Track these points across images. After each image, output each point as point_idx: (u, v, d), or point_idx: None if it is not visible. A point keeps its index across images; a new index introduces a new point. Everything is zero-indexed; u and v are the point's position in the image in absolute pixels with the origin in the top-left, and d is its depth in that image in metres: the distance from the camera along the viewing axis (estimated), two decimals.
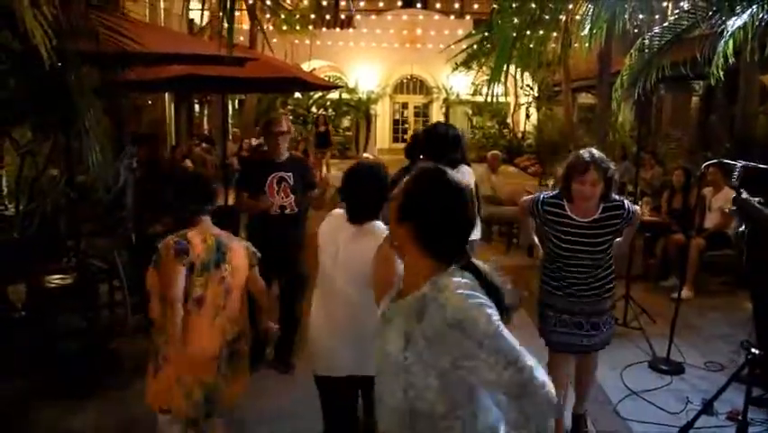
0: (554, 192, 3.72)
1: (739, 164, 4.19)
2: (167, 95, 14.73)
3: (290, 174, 4.78)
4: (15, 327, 3.88)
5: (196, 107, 18.22)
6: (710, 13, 5.74)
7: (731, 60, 5.79)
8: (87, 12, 3.90)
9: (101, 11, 4.21)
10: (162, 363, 2.96)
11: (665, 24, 6.56)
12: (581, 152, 3.50)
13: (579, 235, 3.57)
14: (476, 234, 5.57)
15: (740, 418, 3.66)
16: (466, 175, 5.34)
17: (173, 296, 2.82)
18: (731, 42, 5.62)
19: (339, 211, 2.99)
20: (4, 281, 3.95)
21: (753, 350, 3.65)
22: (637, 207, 4.13)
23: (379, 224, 2.88)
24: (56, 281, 5.04)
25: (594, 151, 3.50)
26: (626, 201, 3.68)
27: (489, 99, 7.43)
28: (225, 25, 4.39)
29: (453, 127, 4.91)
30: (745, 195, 4.14)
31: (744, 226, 4.41)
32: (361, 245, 2.81)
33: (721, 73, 5.85)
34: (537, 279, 3.90)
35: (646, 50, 6.40)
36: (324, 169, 16.85)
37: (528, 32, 6.81)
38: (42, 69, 2.74)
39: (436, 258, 1.78)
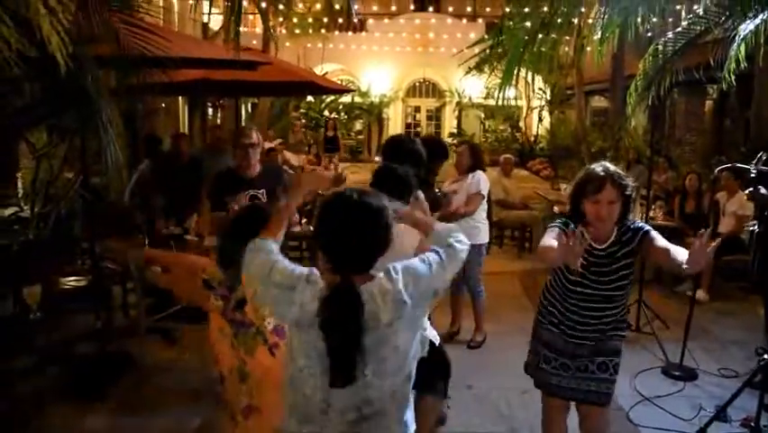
0: (561, 219, 3.09)
1: (755, 167, 4.18)
2: (180, 98, 14.81)
3: (263, 191, 4.28)
4: (31, 328, 3.92)
5: (210, 111, 18.31)
6: (723, 18, 5.71)
7: (743, 65, 5.77)
8: (109, 16, 3.95)
9: (122, 14, 4.26)
10: None
11: (678, 30, 6.55)
12: (594, 166, 2.98)
13: (591, 264, 2.96)
14: (484, 239, 5.58)
15: (753, 424, 3.64)
16: (481, 181, 5.37)
17: None
18: (743, 47, 5.60)
19: None
20: (20, 283, 4.00)
21: (766, 356, 3.63)
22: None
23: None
24: (71, 283, 5.09)
25: (609, 165, 2.98)
26: (645, 225, 3.03)
27: (501, 103, 7.45)
28: (234, 27, 4.41)
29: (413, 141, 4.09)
30: (763, 190, 4.13)
31: (757, 226, 4.39)
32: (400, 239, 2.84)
33: (733, 77, 5.83)
34: None
35: (660, 56, 6.38)
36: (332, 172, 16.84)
37: (540, 36, 6.81)
38: (59, 73, 2.77)
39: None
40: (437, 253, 2.07)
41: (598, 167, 2.95)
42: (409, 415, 2.09)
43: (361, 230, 1.93)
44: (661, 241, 2.88)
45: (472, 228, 5.22)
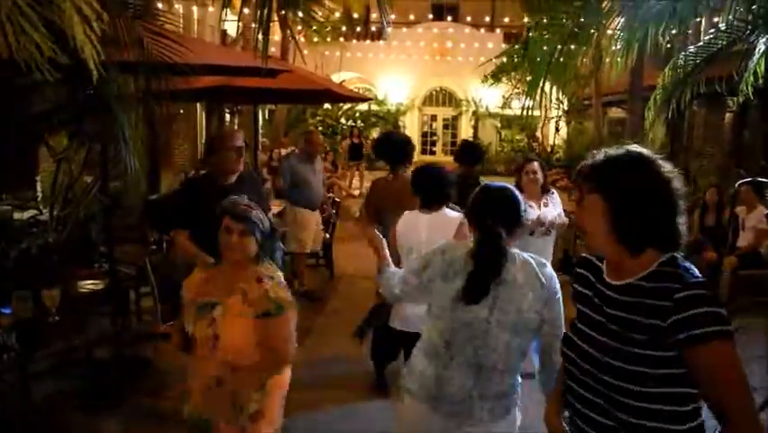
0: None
1: None
2: (198, 104, 14.93)
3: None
4: (50, 331, 3.95)
5: (227, 117, 18.43)
6: (746, 33, 5.66)
7: (761, 80, 5.72)
8: (134, 23, 4.00)
9: (144, 21, 4.31)
10: None
11: (700, 44, 6.51)
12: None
13: (600, 314, 1.86)
14: None
15: None
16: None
17: None
18: (762, 61, 5.55)
19: (408, 212, 3.83)
20: (39, 285, 4.03)
21: None
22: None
23: (447, 209, 3.77)
24: (88, 287, 5.12)
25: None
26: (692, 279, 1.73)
27: (522, 113, 7.42)
28: (260, 36, 4.44)
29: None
30: None
31: None
32: (441, 224, 3.67)
33: (751, 90, 5.79)
34: None
35: (680, 70, 6.33)
36: (357, 180, 16.89)
37: (562, 48, 6.78)
38: (86, 79, 2.81)
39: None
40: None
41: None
42: (518, 379, 2.54)
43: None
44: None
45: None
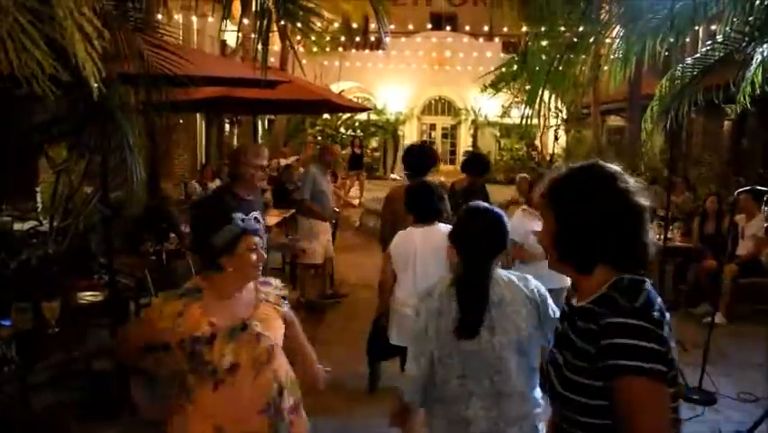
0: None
1: None
2: (198, 114, 14.98)
3: (259, 213, 3.97)
4: (49, 342, 3.94)
5: (227, 127, 18.48)
6: (743, 44, 5.68)
7: (758, 89, 5.74)
8: (134, 36, 4.01)
9: (144, 34, 4.33)
10: None
11: (697, 55, 6.52)
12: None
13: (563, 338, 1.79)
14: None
15: None
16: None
17: None
18: (759, 71, 5.57)
19: (402, 231, 4.01)
20: (39, 297, 4.03)
21: None
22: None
23: (441, 224, 3.88)
24: (88, 298, 5.11)
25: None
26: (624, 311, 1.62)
27: (522, 122, 7.46)
28: (259, 47, 4.45)
29: None
30: None
31: None
32: (433, 237, 3.79)
33: (748, 100, 5.82)
34: None
35: (677, 81, 6.35)
36: (356, 189, 16.92)
37: (561, 57, 6.80)
38: (86, 92, 2.83)
39: None
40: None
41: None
42: (537, 394, 2.49)
43: (492, 232, 2.52)
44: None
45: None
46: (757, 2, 5.34)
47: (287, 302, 2.69)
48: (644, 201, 1.68)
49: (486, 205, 2.66)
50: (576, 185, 1.72)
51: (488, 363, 2.41)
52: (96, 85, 2.76)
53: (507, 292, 2.42)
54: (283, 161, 13.23)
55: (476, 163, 6.39)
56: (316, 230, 7.10)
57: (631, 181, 1.70)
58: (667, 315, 1.64)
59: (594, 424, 1.63)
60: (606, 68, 7.10)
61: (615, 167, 1.74)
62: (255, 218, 2.60)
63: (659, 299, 1.65)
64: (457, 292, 2.43)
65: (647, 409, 1.51)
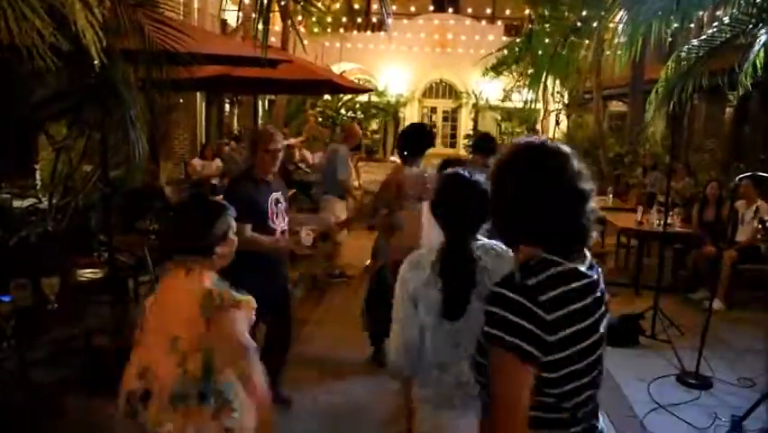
0: None
1: None
2: (198, 93, 14.91)
3: (281, 193, 4.17)
4: (48, 319, 3.94)
5: (227, 107, 18.40)
6: (749, 26, 5.65)
7: (760, 72, 5.71)
8: (134, 10, 3.98)
9: (145, 9, 4.29)
10: None
11: (703, 37, 6.48)
12: None
13: None
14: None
15: None
16: None
17: None
18: (761, 53, 5.54)
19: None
20: (38, 274, 4.03)
21: None
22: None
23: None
24: (87, 275, 5.12)
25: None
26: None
27: (526, 106, 7.47)
28: (260, 26, 4.41)
29: None
30: None
31: None
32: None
33: (750, 82, 5.79)
34: None
35: (683, 63, 6.31)
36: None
37: (564, 41, 6.77)
38: (88, 66, 2.80)
39: None
40: None
41: None
42: None
43: (475, 201, 2.29)
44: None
45: None
46: None
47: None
48: (582, 185, 1.63)
49: (466, 173, 2.43)
50: (506, 163, 1.72)
51: (480, 327, 2.33)
52: (96, 55, 2.73)
53: (489, 259, 2.32)
54: (285, 142, 13.18)
55: (485, 144, 6.07)
56: (340, 209, 7.28)
57: (573, 164, 1.65)
58: (581, 303, 1.60)
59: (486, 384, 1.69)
60: (608, 52, 7.07)
61: (563, 147, 1.69)
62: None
63: (575, 285, 1.61)
64: (441, 272, 2.31)
65: (498, 378, 1.59)
